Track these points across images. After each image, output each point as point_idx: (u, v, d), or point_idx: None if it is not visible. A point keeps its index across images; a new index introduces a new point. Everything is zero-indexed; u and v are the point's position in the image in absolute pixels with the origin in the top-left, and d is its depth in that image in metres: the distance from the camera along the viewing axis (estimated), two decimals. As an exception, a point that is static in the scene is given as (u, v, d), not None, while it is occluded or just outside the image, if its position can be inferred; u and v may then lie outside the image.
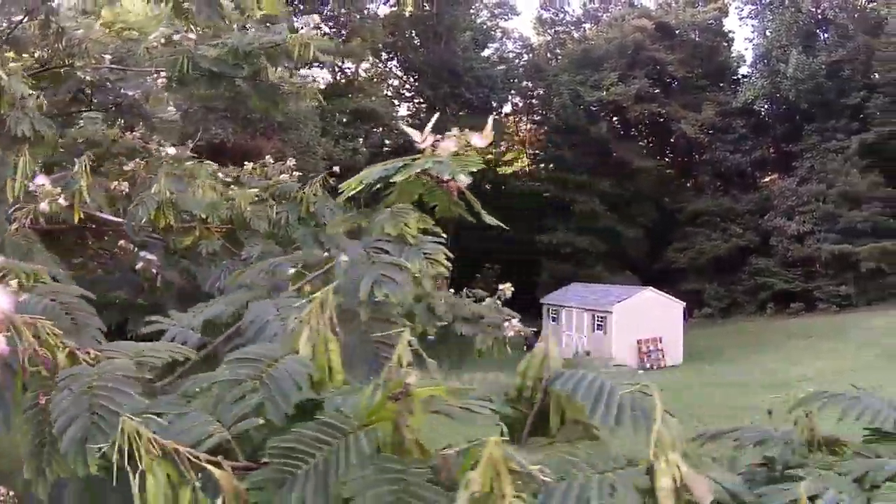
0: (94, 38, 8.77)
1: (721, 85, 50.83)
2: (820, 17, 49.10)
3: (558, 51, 55.82)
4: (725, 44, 52.40)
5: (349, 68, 48.93)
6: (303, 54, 7.65)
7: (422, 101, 53.74)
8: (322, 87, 47.58)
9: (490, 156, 59.12)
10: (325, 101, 44.16)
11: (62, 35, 8.70)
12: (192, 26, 8.59)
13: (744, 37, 64.35)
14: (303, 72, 30.20)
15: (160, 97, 10.03)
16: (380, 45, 49.64)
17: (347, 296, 2.78)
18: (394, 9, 51.15)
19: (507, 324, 8.24)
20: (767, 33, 49.20)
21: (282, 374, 1.93)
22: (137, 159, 7.16)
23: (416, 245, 2.89)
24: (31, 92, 5.66)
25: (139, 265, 5.60)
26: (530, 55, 57.07)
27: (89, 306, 2.82)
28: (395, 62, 54.53)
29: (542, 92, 54.86)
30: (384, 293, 2.76)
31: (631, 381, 1.82)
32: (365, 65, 51.65)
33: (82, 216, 5.58)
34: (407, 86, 54.83)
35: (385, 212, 2.99)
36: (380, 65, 53.70)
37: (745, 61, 52.97)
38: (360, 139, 48.13)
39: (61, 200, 4.63)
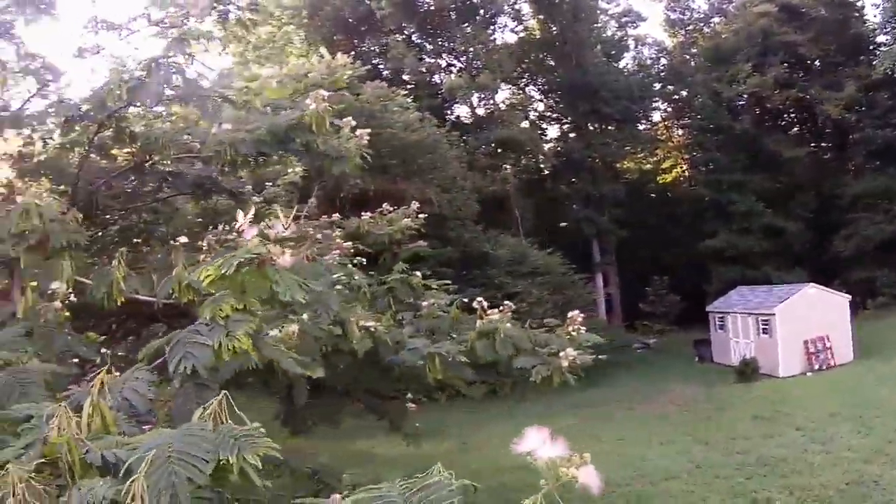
0: (167, 138, 10.02)
1: (860, 58, 47.04)
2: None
3: (694, 50, 54.20)
4: (856, 14, 48.50)
5: (489, 100, 49.80)
6: (321, 126, 8.31)
7: (565, 121, 53.78)
8: (467, 120, 49.03)
9: (648, 166, 58.23)
10: (469, 135, 45.45)
11: (136, 137, 10.01)
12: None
13: (871, 2, 58.57)
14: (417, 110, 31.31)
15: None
16: (515, 73, 50.29)
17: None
18: (522, 35, 51.78)
19: (562, 353, 8.50)
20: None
21: None
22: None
23: (222, 325, 3.54)
24: (63, 210, 6.63)
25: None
26: (668, 59, 55.78)
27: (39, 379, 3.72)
28: (532, 87, 54.95)
29: (685, 94, 53.44)
30: (189, 364, 3.43)
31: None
32: (504, 94, 52.48)
33: (124, 300, 6.48)
34: (550, 108, 55.05)
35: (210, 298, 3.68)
36: (519, 92, 54.29)
37: (880, 29, 48.70)
38: (508, 168, 48.71)
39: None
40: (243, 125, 8.84)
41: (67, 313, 5.64)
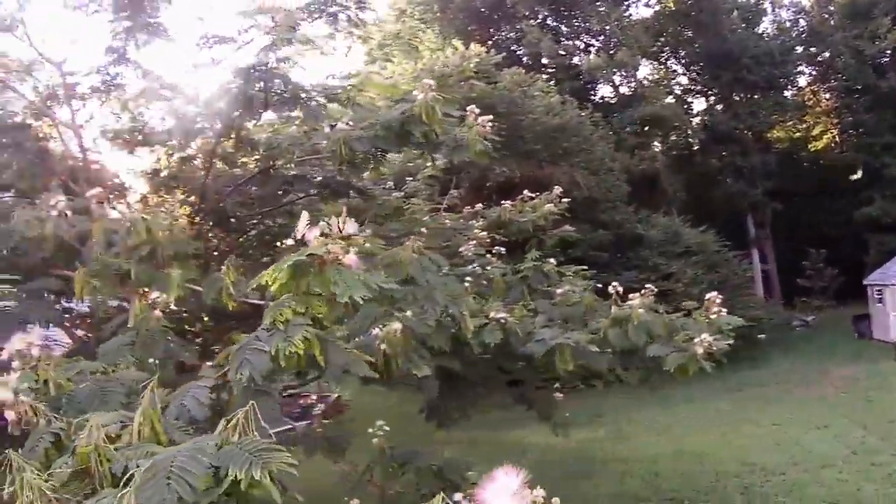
0: (289, 143, 10.17)
1: None
2: None
3: (832, 8, 50.19)
4: None
5: (631, 78, 48.34)
6: (431, 116, 8.12)
7: (710, 93, 51.42)
8: (612, 100, 47.74)
9: (798, 134, 54.72)
10: (614, 115, 44.23)
11: (256, 145, 10.22)
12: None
13: None
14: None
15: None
16: (654, 48, 48.58)
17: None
18: (656, 8, 49.92)
19: (697, 339, 7.96)
20: None
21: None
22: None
23: (282, 330, 3.40)
24: (170, 223, 6.78)
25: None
26: (806, 20, 52.12)
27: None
28: (674, 61, 52.85)
29: (827, 55, 49.70)
30: (246, 372, 3.32)
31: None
32: (646, 70, 50.83)
33: (235, 304, 6.56)
34: (694, 81, 52.79)
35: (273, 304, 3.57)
36: (660, 67, 52.41)
37: None
38: (657, 146, 47.15)
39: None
40: (359, 123, 8.74)
41: (167, 321, 5.76)
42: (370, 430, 7.79)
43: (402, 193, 12.39)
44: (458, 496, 3.25)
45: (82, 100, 11.25)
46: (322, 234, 3.58)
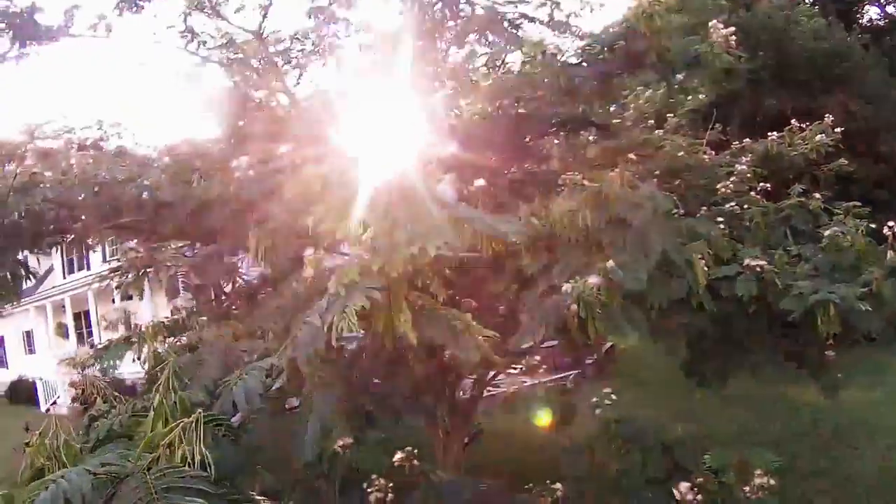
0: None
1: None
2: None
3: None
4: None
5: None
6: (651, 25, 6.85)
7: None
8: (881, 23, 41.26)
9: None
10: (886, 37, 38.17)
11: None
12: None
13: None
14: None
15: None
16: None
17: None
18: None
19: None
20: None
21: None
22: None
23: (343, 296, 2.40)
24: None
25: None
26: None
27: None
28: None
29: None
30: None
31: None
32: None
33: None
34: None
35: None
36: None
37: None
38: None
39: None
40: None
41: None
42: (594, 400, 6.74)
43: (663, 131, 11.07)
44: (683, 486, 2.29)
45: (298, 67, 11.17)
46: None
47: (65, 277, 30.98)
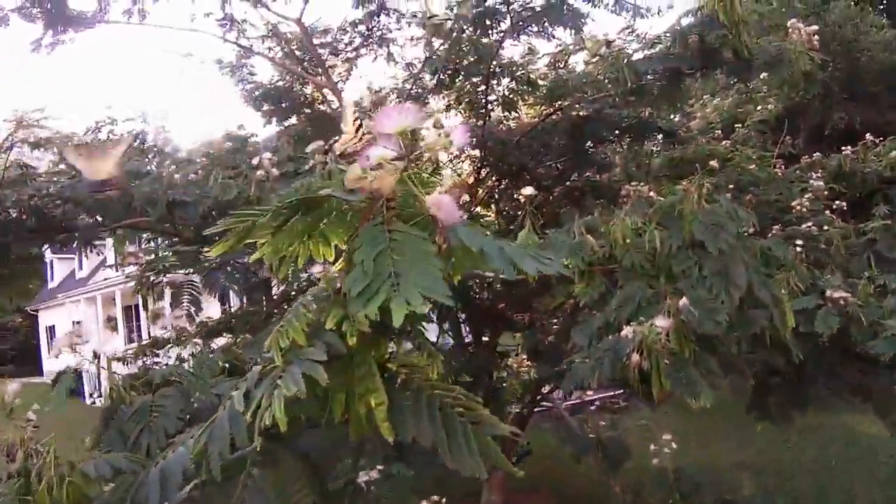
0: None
1: None
2: None
3: None
4: None
5: None
6: (732, 15, 6.03)
7: None
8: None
9: None
10: None
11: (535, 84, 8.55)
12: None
13: None
14: None
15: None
16: None
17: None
18: None
19: None
20: None
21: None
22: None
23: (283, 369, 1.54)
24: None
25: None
26: None
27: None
28: None
29: None
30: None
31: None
32: None
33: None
34: None
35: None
36: None
37: None
38: None
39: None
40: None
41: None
42: (652, 448, 5.83)
43: (731, 141, 10.22)
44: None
45: (348, 60, 10.55)
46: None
47: (116, 270, 30.95)
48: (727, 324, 3.81)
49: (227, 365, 4.53)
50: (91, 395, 26.23)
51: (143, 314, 27.61)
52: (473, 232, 1.50)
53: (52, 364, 33.82)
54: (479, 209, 10.61)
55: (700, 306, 3.68)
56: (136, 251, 7.77)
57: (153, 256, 7.76)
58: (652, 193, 5.32)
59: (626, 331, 3.53)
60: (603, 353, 3.78)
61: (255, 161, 5.93)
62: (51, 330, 35.86)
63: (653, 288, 4.16)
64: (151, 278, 7.67)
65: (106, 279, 31.02)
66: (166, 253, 7.43)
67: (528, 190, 4.97)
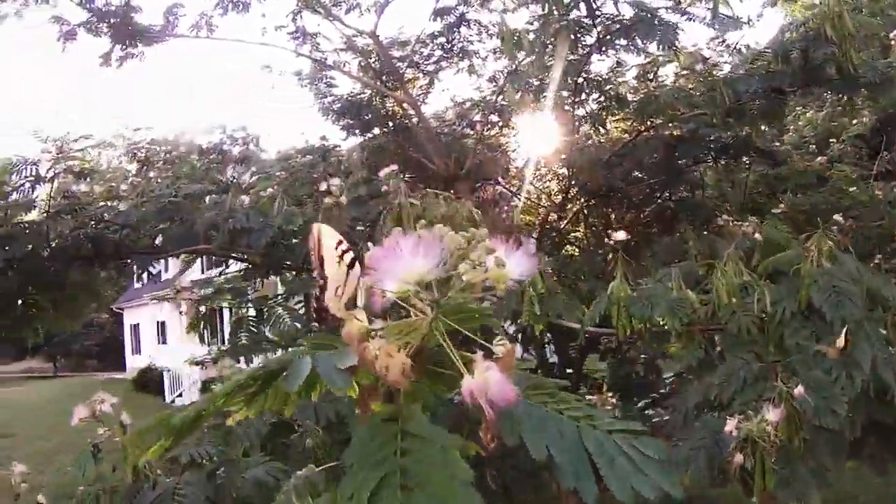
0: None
1: None
2: None
3: None
4: None
5: None
6: (839, 29, 5.46)
7: None
8: None
9: None
10: None
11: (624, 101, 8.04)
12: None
13: None
14: None
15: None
16: None
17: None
18: None
19: None
20: None
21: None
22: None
23: None
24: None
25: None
26: None
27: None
28: None
29: None
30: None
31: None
32: None
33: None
34: None
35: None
36: None
37: None
38: None
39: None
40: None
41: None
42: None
43: (826, 157, 9.38)
44: None
45: (428, 73, 10.16)
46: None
47: (203, 273, 31.45)
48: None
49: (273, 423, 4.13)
50: (173, 395, 26.71)
51: (226, 317, 27.98)
52: (543, 420, 0.98)
53: (134, 361, 34.58)
54: (567, 226, 10.10)
55: (818, 393, 3.06)
56: (189, 286, 7.46)
57: (209, 291, 7.44)
58: (758, 234, 4.69)
59: (730, 425, 2.94)
60: (699, 441, 3.20)
61: (322, 187, 5.53)
62: (134, 328, 36.67)
63: (760, 359, 3.54)
64: (205, 312, 7.39)
65: (192, 280, 31.53)
66: (222, 284, 7.13)
67: (621, 234, 4.43)
